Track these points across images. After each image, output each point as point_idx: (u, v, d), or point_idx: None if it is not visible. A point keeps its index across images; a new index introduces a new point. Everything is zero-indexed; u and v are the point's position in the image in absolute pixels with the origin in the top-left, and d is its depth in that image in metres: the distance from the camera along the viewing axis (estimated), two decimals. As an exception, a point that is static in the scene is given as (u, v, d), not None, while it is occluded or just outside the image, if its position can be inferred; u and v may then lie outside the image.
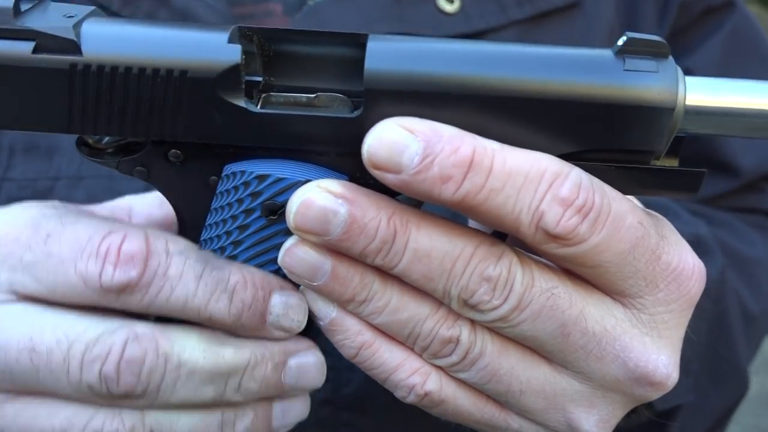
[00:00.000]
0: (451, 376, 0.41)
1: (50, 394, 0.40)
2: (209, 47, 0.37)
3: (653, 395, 0.42)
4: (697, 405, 0.62)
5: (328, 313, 0.41)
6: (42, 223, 0.40)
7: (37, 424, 0.40)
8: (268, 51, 0.40)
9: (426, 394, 0.41)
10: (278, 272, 0.42)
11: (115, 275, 0.38)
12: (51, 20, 0.38)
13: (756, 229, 0.72)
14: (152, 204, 0.49)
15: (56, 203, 0.44)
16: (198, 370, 0.39)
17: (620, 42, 0.37)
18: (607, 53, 0.38)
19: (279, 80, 0.40)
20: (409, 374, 0.41)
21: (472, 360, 0.40)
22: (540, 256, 0.40)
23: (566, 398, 0.42)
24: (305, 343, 0.43)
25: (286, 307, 0.41)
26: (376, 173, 0.37)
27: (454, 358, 0.40)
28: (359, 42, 0.38)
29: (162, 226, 0.47)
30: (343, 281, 0.39)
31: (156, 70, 0.37)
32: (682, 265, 0.41)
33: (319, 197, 0.37)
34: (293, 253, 0.39)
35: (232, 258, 0.42)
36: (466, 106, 0.37)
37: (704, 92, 0.38)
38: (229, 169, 0.40)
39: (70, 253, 0.39)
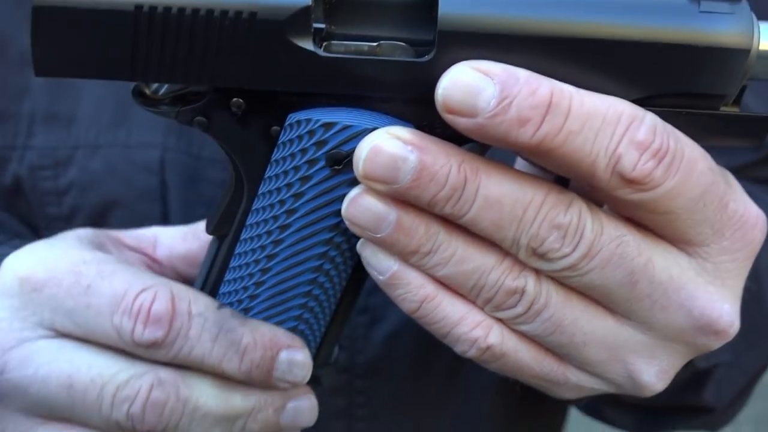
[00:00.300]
0: (513, 330, 0.41)
1: (81, 425, 0.44)
2: None
3: (715, 344, 0.42)
4: (732, 364, 0.61)
5: (389, 266, 0.40)
6: (83, 271, 0.44)
7: None
8: None
9: (488, 348, 0.41)
10: (338, 227, 0.41)
11: (145, 334, 0.42)
12: None
13: None
14: (176, 236, 0.51)
15: (87, 236, 0.49)
16: (211, 414, 0.44)
17: None
18: None
19: (340, 28, 0.38)
20: (472, 328, 0.40)
21: (536, 311, 0.39)
22: (609, 205, 0.40)
23: (628, 349, 0.41)
24: (303, 389, 0.47)
25: (290, 365, 0.45)
26: (449, 117, 0.36)
27: (519, 309, 0.39)
28: None
29: (185, 259, 0.51)
30: (408, 232, 0.38)
31: (224, 12, 0.36)
32: (747, 214, 0.40)
33: (389, 144, 0.37)
34: (358, 203, 0.38)
35: (292, 211, 0.41)
36: (539, 50, 0.35)
37: None
38: (294, 117, 0.39)
39: (107, 307, 0.43)
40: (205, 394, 0.44)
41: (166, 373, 0.43)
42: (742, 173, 0.69)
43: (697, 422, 0.68)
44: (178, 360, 0.43)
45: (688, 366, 0.57)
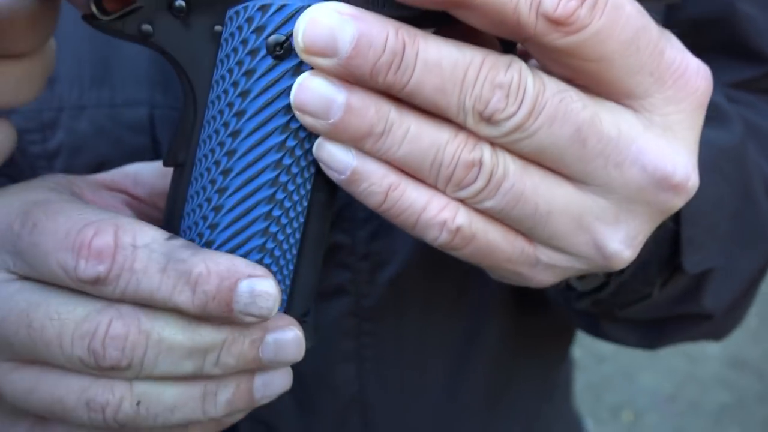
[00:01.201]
0: (479, 211, 0.41)
1: (48, 365, 0.43)
2: None
3: (676, 201, 0.42)
4: (726, 268, 0.62)
5: (347, 162, 0.40)
6: (31, 211, 0.42)
7: (41, 391, 0.42)
8: None
9: (458, 229, 0.40)
10: (288, 126, 0.41)
11: (87, 269, 0.40)
12: None
13: None
14: (156, 172, 0.50)
15: (56, 180, 0.47)
16: (177, 346, 0.41)
17: None
18: None
19: None
20: (439, 210, 0.40)
21: (497, 182, 0.39)
22: (545, 62, 0.40)
23: (592, 216, 0.41)
24: (285, 320, 0.43)
25: (252, 296, 0.41)
26: None
27: (479, 183, 0.39)
28: None
29: (164, 195, 0.48)
30: (359, 112, 0.38)
31: None
32: (687, 61, 0.40)
33: (326, 15, 0.37)
34: (306, 87, 0.39)
35: (241, 113, 0.40)
36: None
37: None
38: (233, 10, 0.40)
39: (51, 245, 0.41)
40: (170, 326, 0.41)
41: (126, 307, 0.41)
42: (743, 87, 0.70)
43: (698, 331, 0.68)
44: (127, 296, 0.41)
45: (683, 274, 0.59)
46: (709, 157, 0.58)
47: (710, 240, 0.59)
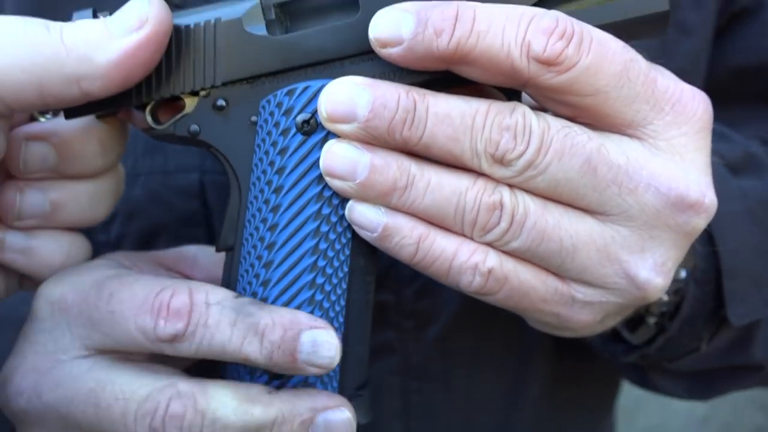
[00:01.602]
0: (508, 253, 0.43)
1: None
2: (236, 3, 0.46)
3: (698, 221, 0.44)
4: None
5: (378, 219, 0.43)
6: (105, 284, 0.46)
7: None
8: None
9: (489, 272, 0.43)
10: (322, 195, 0.44)
11: (167, 327, 0.44)
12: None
13: None
14: (215, 261, 0.53)
15: (120, 260, 0.51)
16: (230, 426, 0.44)
17: None
18: None
19: (287, 21, 0.46)
20: (469, 255, 0.43)
21: (519, 222, 0.42)
22: (545, 103, 0.44)
23: (617, 245, 0.43)
24: (335, 400, 0.45)
25: (315, 346, 0.43)
26: (383, 52, 0.42)
27: (503, 224, 0.42)
28: None
29: (219, 281, 0.51)
30: (382, 169, 0.42)
31: (198, 23, 0.45)
32: (681, 87, 0.43)
33: (344, 86, 0.43)
34: (332, 153, 0.43)
35: (279, 189, 0.45)
36: None
37: None
38: (264, 99, 0.45)
39: (130, 311, 0.44)
40: (224, 406, 0.44)
41: (184, 386, 0.44)
42: None
43: (749, 381, 0.68)
44: (202, 352, 0.44)
45: (729, 327, 0.59)
46: (746, 207, 0.60)
47: (754, 290, 0.60)
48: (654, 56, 0.60)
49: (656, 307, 0.59)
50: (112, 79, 0.43)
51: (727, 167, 0.61)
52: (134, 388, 0.44)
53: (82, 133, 0.48)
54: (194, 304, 0.44)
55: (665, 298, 0.58)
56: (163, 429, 0.43)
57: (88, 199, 0.50)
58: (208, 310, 0.44)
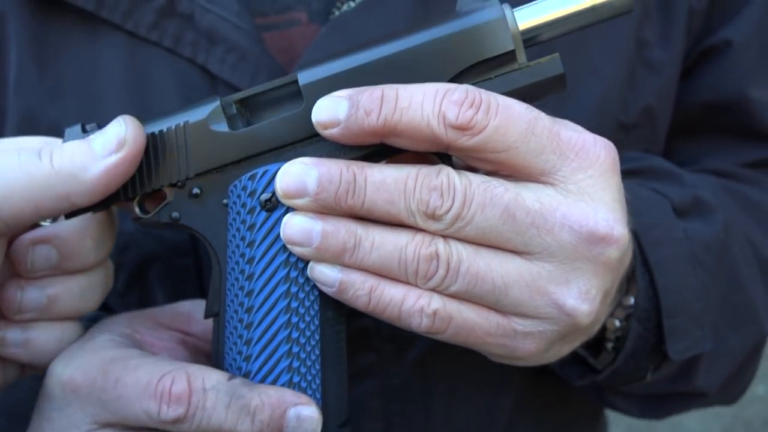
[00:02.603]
0: (449, 295, 0.49)
1: None
2: (201, 107, 0.52)
3: (611, 252, 0.49)
4: (717, 351, 0.66)
5: (335, 275, 0.49)
6: (111, 369, 0.51)
7: None
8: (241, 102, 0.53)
9: (435, 313, 0.49)
10: (288, 261, 0.51)
11: (169, 412, 0.49)
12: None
13: None
14: None
15: (120, 332, 0.56)
16: None
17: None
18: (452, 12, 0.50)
19: (246, 115, 0.53)
20: (415, 300, 0.49)
21: (455, 268, 0.48)
22: (466, 160, 0.49)
23: (543, 280, 0.49)
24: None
25: (299, 420, 0.49)
26: (325, 132, 0.49)
27: (441, 271, 0.48)
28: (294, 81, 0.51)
29: None
30: (333, 234, 0.49)
31: (170, 128, 0.52)
32: (583, 137, 0.49)
33: (295, 167, 0.49)
34: (290, 224, 0.49)
35: (251, 260, 0.51)
36: (372, 76, 0.49)
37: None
38: (232, 184, 0.52)
39: (135, 396, 0.50)
40: None
41: None
42: (756, 168, 0.75)
43: (695, 404, 0.72)
44: (201, 430, 0.49)
45: (672, 361, 0.63)
46: (688, 250, 0.63)
47: (695, 327, 0.63)
48: (624, 91, 0.65)
49: (611, 333, 0.63)
50: (98, 192, 0.49)
51: (674, 210, 0.65)
52: None
53: (78, 232, 0.54)
54: (193, 390, 0.49)
55: (617, 323, 0.62)
56: None
57: (80, 291, 0.55)
58: (205, 395, 0.49)
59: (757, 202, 0.74)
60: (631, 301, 0.62)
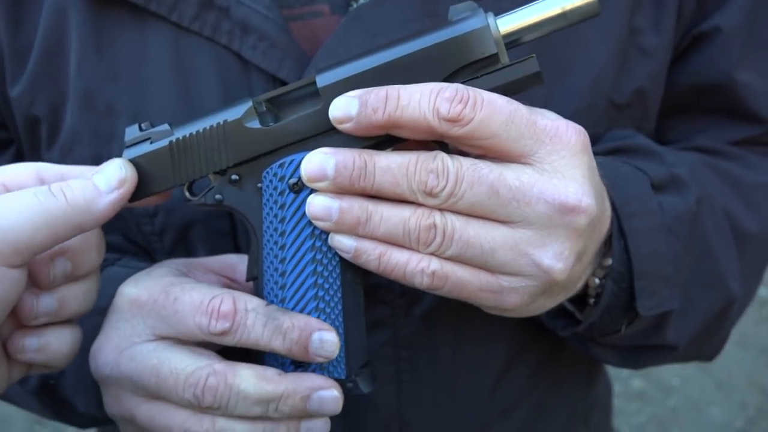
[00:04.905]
0: (446, 258, 0.56)
1: (166, 401, 0.60)
2: (236, 106, 0.60)
3: (580, 220, 0.56)
4: (686, 310, 0.71)
5: (351, 244, 0.57)
6: (170, 289, 0.60)
7: (158, 418, 0.60)
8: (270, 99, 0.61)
9: (433, 273, 0.56)
10: (313, 234, 0.59)
11: (217, 326, 0.58)
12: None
13: None
14: None
15: (178, 267, 0.65)
16: (249, 397, 0.58)
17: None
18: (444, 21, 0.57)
19: (274, 111, 0.61)
20: (417, 262, 0.57)
21: (449, 236, 0.55)
22: (459, 147, 0.56)
23: (524, 244, 0.56)
24: (328, 382, 0.59)
25: (321, 343, 0.58)
26: (340, 127, 0.56)
27: (438, 239, 0.56)
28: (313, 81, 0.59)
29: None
30: (349, 210, 0.56)
31: (212, 125, 0.61)
32: (557, 124, 0.56)
33: (316, 156, 0.57)
34: (314, 203, 0.57)
35: (283, 233, 0.60)
36: (379, 78, 0.57)
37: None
38: (264, 171, 0.60)
39: (190, 312, 0.58)
40: (246, 382, 0.57)
41: (219, 366, 0.58)
42: (741, 145, 0.81)
43: (668, 357, 0.77)
44: (241, 342, 0.58)
45: (638, 318, 0.69)
46: (662, 221, 0.69)
47: (663, 287, 0.69)
48: (616, 74, 0.72)
49: (592, 290, 0.69)
50: (102, 220, 0.57)
51: (652, 186, 0.70)
52: (184, 366, 0.58)
53: (86, 243, 0.60)
54: (237, 310, 0.58)
55: (597, 281, 0.68)
56: (203, 396, 0.57)
57: (83, 294, 0.61)
58: (246, 314, 0.58)
59: (738, 177, 0.79)
60: (609, 262, 0.67)
